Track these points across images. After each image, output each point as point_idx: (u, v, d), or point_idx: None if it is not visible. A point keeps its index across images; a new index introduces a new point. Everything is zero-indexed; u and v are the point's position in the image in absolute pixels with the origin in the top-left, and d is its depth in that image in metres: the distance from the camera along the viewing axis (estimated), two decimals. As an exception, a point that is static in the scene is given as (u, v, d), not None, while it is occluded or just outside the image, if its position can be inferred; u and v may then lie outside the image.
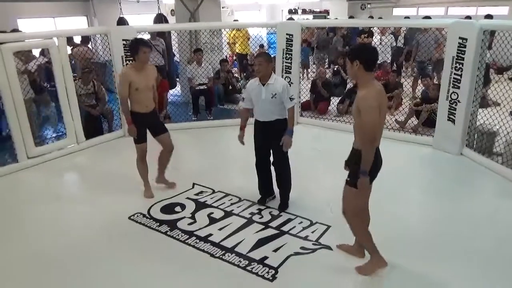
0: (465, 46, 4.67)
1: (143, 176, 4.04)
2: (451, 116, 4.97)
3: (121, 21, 9.14)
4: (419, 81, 7.29)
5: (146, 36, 7.31)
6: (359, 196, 2.69)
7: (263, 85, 3.49)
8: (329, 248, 3.18)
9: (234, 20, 10.67)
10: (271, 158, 3.71)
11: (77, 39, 7.91)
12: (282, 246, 3.19)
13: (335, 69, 8.20)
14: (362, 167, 2.55)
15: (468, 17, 8.01)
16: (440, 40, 7.49)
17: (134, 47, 3.69)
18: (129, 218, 3.70)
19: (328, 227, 3.45)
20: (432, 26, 6.99)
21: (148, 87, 3.79)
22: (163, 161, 4.12)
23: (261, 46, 10.38)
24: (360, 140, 2.57)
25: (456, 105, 4.90)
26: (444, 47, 7.46)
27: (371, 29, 9.02)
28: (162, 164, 4.14)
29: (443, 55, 7.58)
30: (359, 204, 2.74)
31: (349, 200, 2.74)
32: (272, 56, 3.96)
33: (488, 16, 7.98)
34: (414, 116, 6.20)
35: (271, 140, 3.54)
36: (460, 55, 4.73)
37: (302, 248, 3.16)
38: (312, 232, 3.34)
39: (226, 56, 8.96)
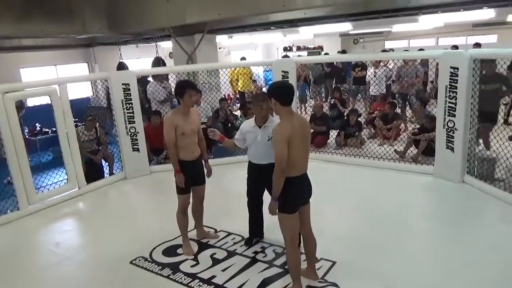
0: (457, 75, 4.77)
1: (183, 230, 3.76)
2: (450, 144, 5.00)
3: (121, 66, 9.43)
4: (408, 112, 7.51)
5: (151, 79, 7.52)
6: (286, 220, 2.86)
7: (260, 127, 3.47)
8: (335, 285, 3.11)
9: (242, 58, 11.02)
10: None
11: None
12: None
13: (332, 102, 8.32)
14: (273, 193, 2.81)
15: (455, 47, 8.24)
16: (420, 72, 7.71)
17: (180, 90, 3.47)
18: (131, 262, 3.64)
19: (334, 263, 3.39)
20: (424, 57, 7.17)
21: (194, 132, 3.59)
22: (198, 213, 3.92)
23: (254, 81, 10.63)
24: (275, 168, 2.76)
25: (453, 133, 4.94)
26: (421, 79, 7.75)
27: (365, 62, 9.24)
28: (198, 217, 3.94)
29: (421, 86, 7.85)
30: (289, 228, 2.88)
31: (281, 225, 2.91)
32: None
33: (477, 45, 8.21)
34: (413, 146, 6.23)
35: (265, 184, 3.46)
36: (453, 83, 4.82)
37: (308, 286, 3.09)
38: (318, 269, 3.26)
39: (224, 95, 9.13)
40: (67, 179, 5.38)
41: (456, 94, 4.82)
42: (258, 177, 3.55)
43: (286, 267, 3.36)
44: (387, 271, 3.26)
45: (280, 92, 2.86)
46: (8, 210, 4.83)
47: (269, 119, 3.47)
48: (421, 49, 10.50)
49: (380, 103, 7.64)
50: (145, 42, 10.21)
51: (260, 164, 3.51)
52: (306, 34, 12.35)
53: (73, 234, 4.53)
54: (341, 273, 3.25)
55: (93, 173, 5.76)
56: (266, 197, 3.53)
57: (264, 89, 10.83)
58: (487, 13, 7.79)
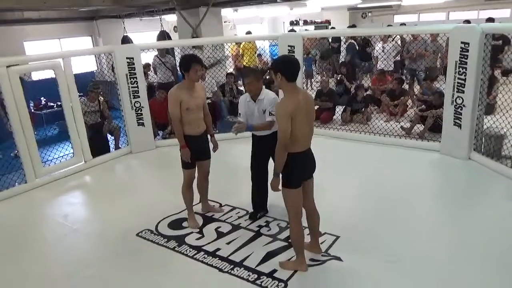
0: (467, 51, 4.65)
1: (188, 204, 3.80)
2: (457, 121, 4.94)
3: (125, 39, 9.29)
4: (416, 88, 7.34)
5: (154, 53, 7.45)
6: (290, 195, 2.86)
7: (254, 101, 3.51)
8: (338, 259, 3.14)
9: (247, 32, 10.83)
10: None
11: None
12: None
13: (338, 78, 8.21)
14: (275, 168, 2.81)
15: (467, 21, 8.00)
16: (429, 47, 7.52)
17: (186, 64, 3.43)
18: (137, 235, 3.70)
19: (337, 237, 3.42)
20: (433, 32, 6.99)
21: (199, 107, 3.57)
22: (203, 188, 3.95)
23: (259, 55, 10.51)
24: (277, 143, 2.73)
25: (461, 109, 4.87)
26: (432, 54, 7.53)
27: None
28: (203, 191, 3.97)
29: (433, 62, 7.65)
30: (293, 203, 2.89)
31: (285, 200, 2.91)
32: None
33: (490, 20, 7.97)
34: (420, 122, 6.16)
35: (269, 153, 3.53)
36: (463, 59, 4.71)
37: (311, 260, 3.12)
38: (321, 243, 3.29)
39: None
40: (73, 153, 5.42)
41: (465, 70, 4.72)
42: (261, 149, 3.60)
43: (290, 241, 3.40)
44: (390, 246, 3.29)
45: (287, 67, 2.76)
46: (16, 183, 4.90)
47: (262, 92, 3.51)
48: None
49: (378, 77, 7.44)
50: (149, 16, 10.04)
51: (262, 135, 3.56)
52: (313, 7, 12.07)
53: (80, 207, 4.60)
54: (345, 247, 3.28)
55: (98, 147, 5.77)
56: (271, 172, 3.54)
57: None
58: (501, -14, 7.52)
